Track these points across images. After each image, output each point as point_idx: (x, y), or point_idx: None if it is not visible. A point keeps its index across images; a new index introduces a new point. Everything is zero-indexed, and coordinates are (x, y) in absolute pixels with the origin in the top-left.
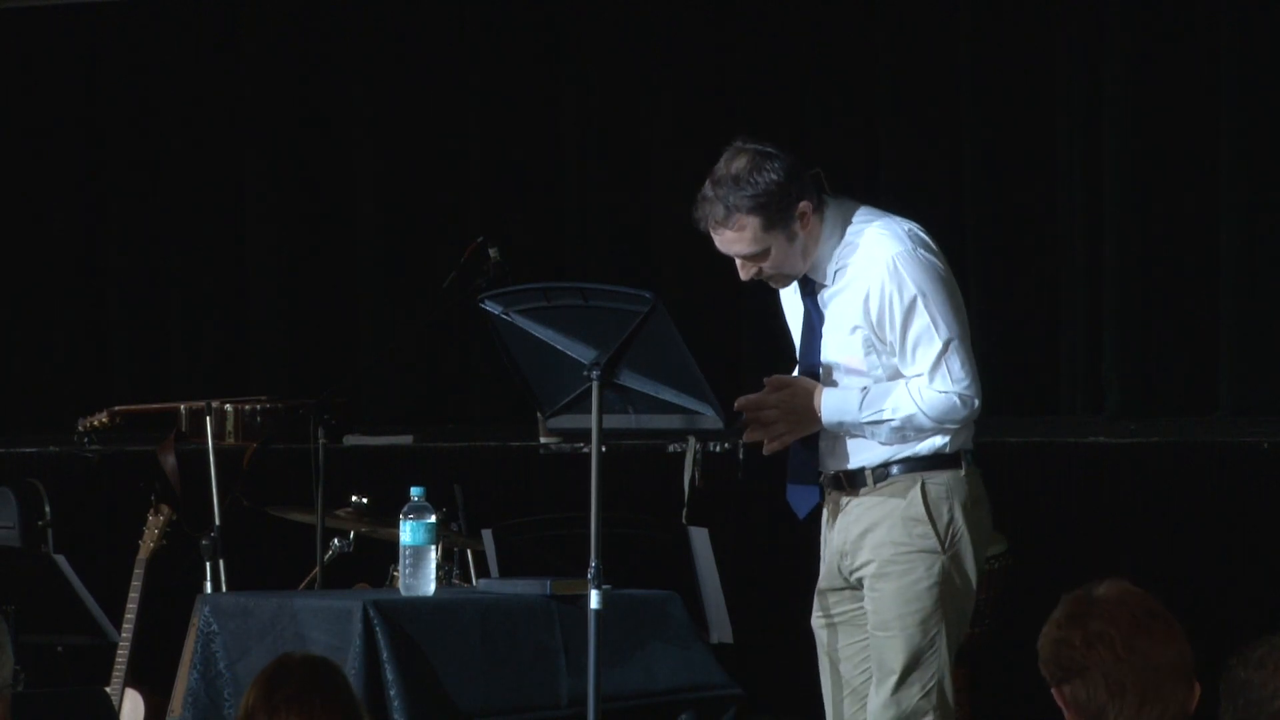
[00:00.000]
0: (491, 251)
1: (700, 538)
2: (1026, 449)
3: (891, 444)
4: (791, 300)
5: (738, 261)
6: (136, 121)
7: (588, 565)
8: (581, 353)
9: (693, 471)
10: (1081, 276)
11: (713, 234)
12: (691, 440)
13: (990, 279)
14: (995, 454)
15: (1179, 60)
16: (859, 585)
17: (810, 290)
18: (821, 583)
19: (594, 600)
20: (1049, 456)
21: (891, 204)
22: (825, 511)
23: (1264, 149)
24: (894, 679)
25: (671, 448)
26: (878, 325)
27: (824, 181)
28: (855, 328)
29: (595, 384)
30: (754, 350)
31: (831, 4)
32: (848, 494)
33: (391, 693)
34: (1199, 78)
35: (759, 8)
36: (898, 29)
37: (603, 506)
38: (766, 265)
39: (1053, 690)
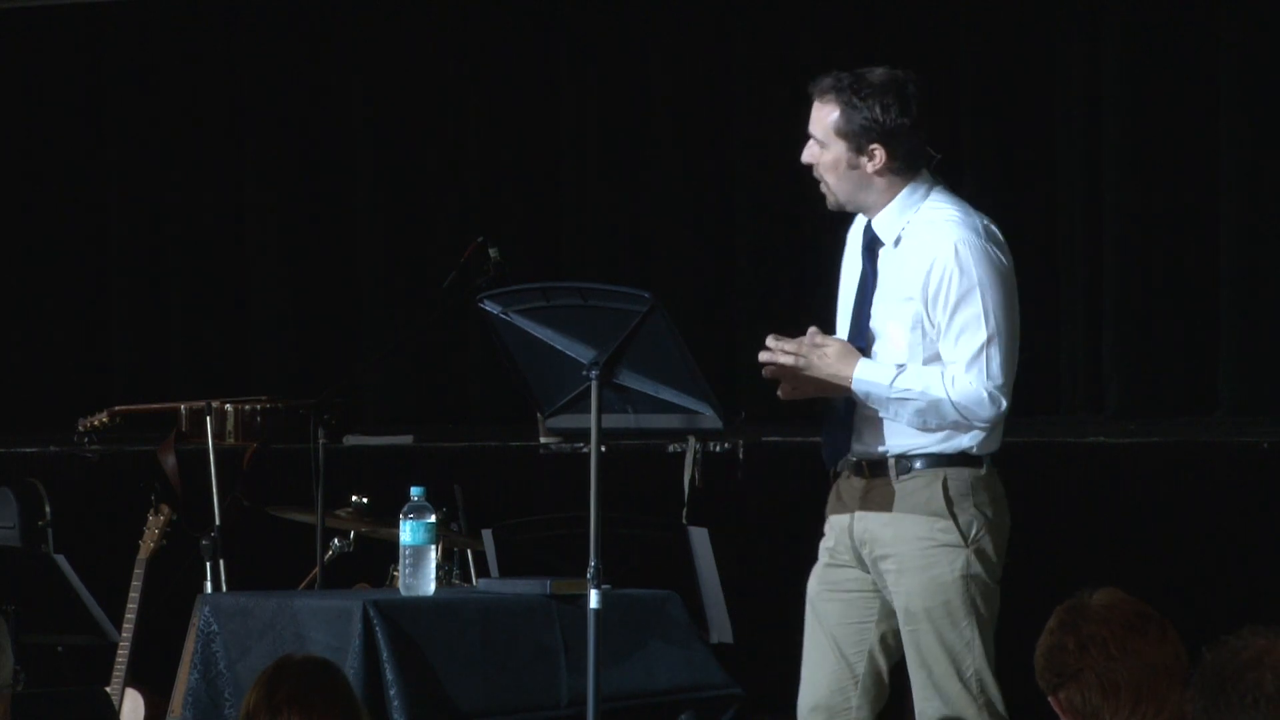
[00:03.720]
0: (491, 251)
1: (700, 538)
2: (1026, 449)
3: (914, 427)
4: (852, 259)
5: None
6: (137, 121)
7: (588, 565)
8: (581, 352)
9: (693, 471)
10: (1081, 276)
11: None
12: (691, 440)
13: None
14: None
15: (1179, 60)
16: (869, 569)
17: (871, 250)
18: (827, 556)
19: (594, 600)
20: (1049, 456)
21: None
22: (838, 490)
23: (1264, 149)
24: (930, 672)
25: (671, 448)
26: (932, 301)
27: (933, 164)
28: (909, 298)
29: (594, 384)
30: (752, 350)
31: (831, 3)
32: (868, 482)
33: (391, 693)
34: (1199, 77)
35: (759, 7)
36: (897, 29)
37: (603, 506)
38: (820, 163)
39: (1049, 699)
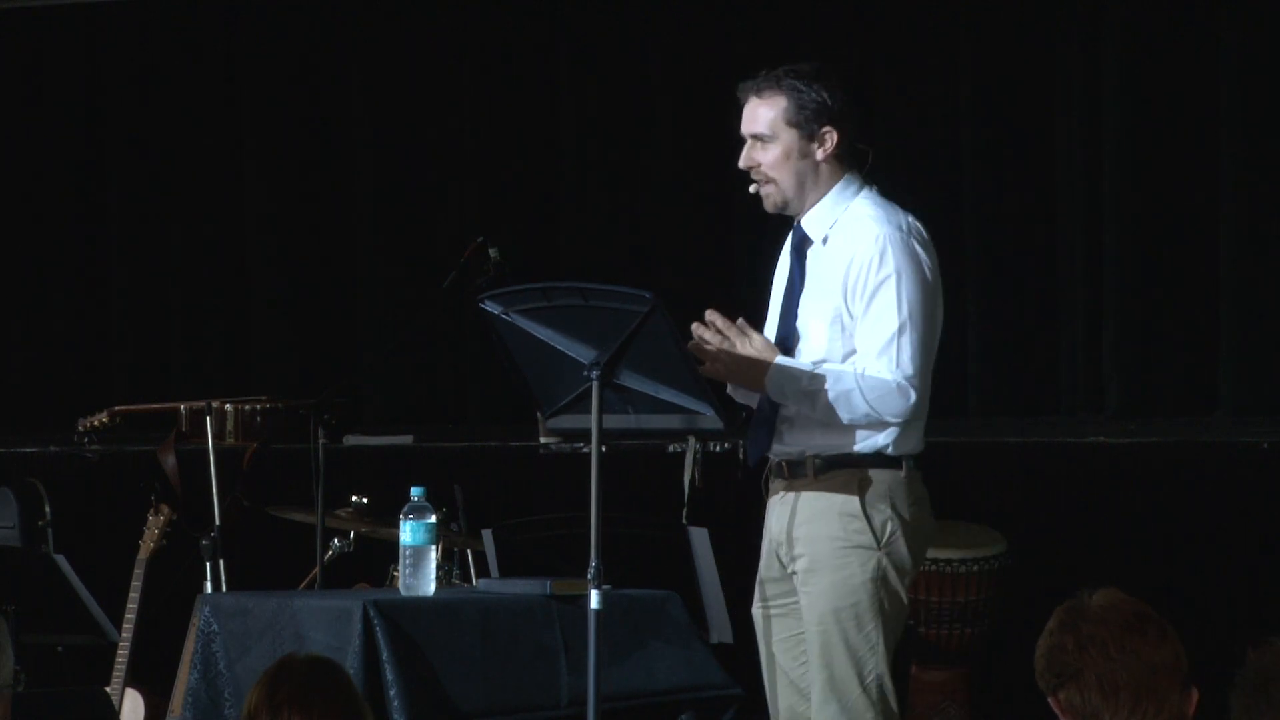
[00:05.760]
0: (491, 251)
1: (700, 538)
2: (1026, 449)
3: (827, 423)
4: (783, 265)
5: (745, 147)
6: (137, 122)
7: (588, 565)
8: (581, 353)
9: (693, 471)
10: (1081, 276)
11: (745, 107)
12: (691, 440)
13: (990, 279)
14: (995, 454)
15: (1179, 58)
16: (793, 576)
17: (800, 250)
18: (761, 571)
19: (594, 600)
20: (1049, 456)
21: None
22: (768, 498)
23: (1264, 148)
24: (831, 675)
25: (671, 448)
26: (850, 292)
27: (866, 159)
28: (831, 293)
29: (595, 384)
30: None
31: (831, 3)
32: (788, 482)
33: (391, 693)
34: (1199, 76)
35: (759, 7)
36: (898, 29)
37: (603, 506)
38: (766, 161)
39: (1049, 699)
